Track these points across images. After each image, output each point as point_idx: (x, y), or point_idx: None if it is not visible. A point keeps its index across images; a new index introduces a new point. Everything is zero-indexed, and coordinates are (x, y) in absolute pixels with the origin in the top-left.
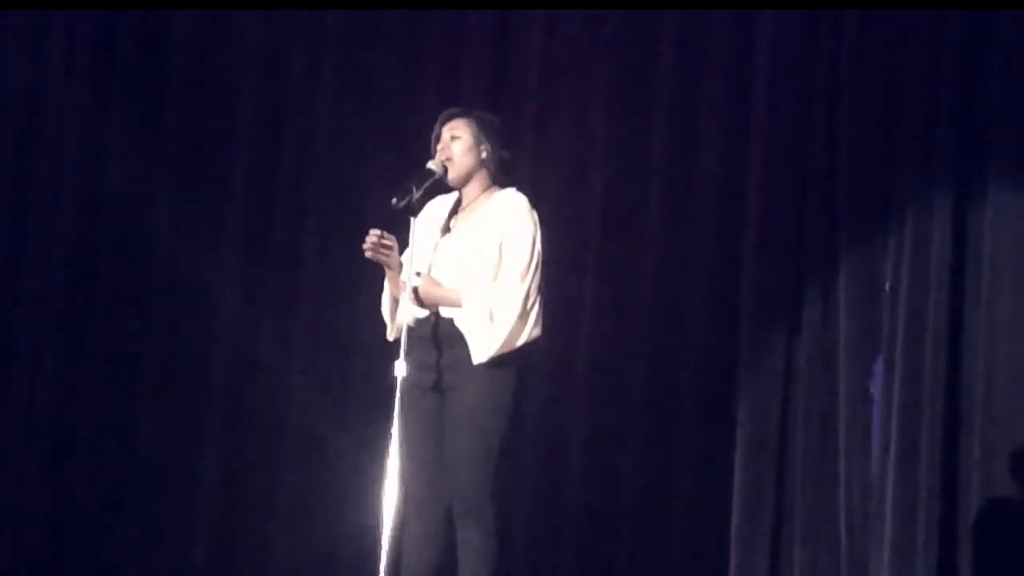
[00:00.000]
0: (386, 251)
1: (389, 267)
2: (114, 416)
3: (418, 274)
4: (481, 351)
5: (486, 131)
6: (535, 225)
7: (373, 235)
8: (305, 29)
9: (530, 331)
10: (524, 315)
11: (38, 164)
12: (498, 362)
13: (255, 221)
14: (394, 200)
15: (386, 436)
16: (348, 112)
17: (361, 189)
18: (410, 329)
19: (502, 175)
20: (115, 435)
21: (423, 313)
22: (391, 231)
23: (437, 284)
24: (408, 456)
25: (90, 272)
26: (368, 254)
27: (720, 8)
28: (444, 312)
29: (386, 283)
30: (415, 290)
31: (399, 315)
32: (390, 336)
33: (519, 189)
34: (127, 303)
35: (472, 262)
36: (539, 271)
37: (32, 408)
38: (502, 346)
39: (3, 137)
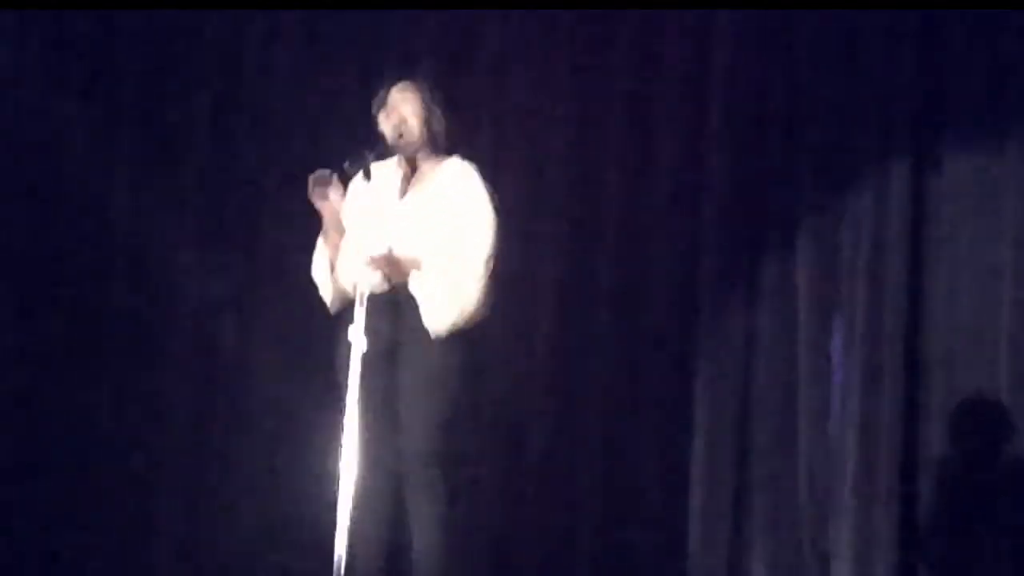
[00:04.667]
0: (323, 191)
1: (327, 219)
2: (74, 389)
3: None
4: (440, 321)
5: (436, 101)
6: (492, 199)
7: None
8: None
9: (486, 306)
10: (484, 289)
11: None
12: (454, 333)
13: (213, 191)
14: (347, 165)
15: (343, 405)
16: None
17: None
18: (366, 298)
19: (449, 143)
20: (75, 404)
21: (379, 282)
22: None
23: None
24: (361, 425)
25: (49, 255)
26: (312, 193)
27: None
28: (400, 281)
29: (320, 245)
30: (383, 262)
31: (343, 281)
32: (331, 305)
33: (464, 157)
34: (85, 276)
35: (430, 232)
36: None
37: None
38: (461, 318)
39: None
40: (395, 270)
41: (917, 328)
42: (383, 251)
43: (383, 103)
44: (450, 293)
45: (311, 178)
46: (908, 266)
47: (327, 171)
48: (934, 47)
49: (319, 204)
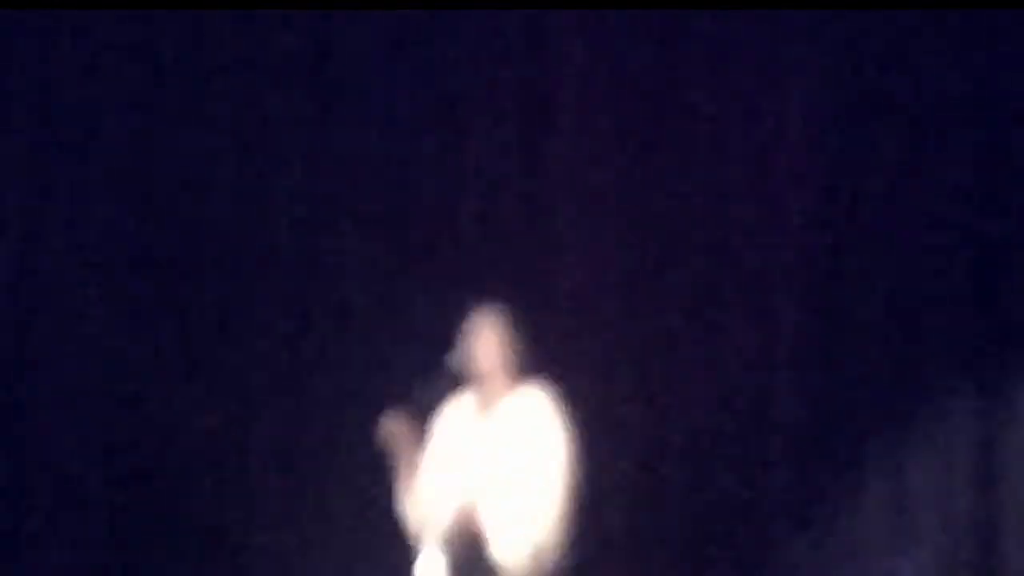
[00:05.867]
0: (394, 434)
1: (400, 455)
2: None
3: None
4: (511, 557)
5: (511, 328)
6: (565, 428)
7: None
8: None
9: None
10: (555, 523)
11: None
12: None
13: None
14: (416, 391)
15: None
16: None
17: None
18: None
19: (523, 369)
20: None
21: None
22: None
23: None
24: None
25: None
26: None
27: None
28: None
29: (402, 477)
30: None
31: (418, 511)
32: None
33: (540, 385)
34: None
35: (503, 464)
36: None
37: None
38: (531, 553)
39: None
40: (473, 526)
41: None
42: (466, 509)
43: (462, 332)
44: (521, 529)
45: (382, 424)
46: None
47: (398, 418)
48: None
49: (390, 446)
